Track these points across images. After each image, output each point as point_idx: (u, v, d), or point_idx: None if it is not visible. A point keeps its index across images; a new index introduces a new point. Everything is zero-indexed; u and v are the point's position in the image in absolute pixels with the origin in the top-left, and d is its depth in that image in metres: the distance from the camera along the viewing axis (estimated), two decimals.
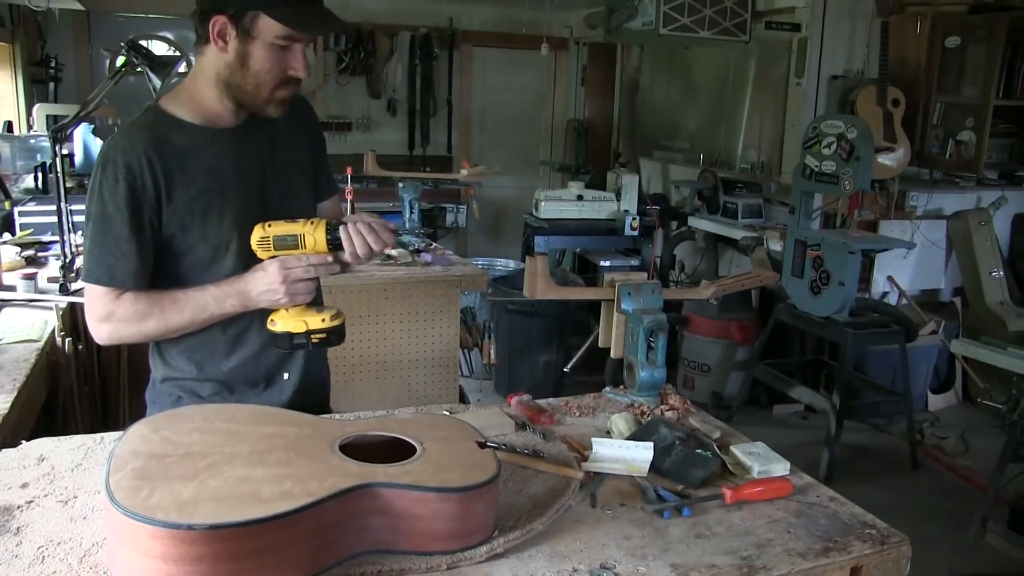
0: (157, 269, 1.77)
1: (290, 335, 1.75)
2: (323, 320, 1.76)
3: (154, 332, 1.79)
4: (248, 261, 1.77)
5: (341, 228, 1.72)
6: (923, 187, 5.50)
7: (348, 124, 7.52)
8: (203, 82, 1.77)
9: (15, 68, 5.61)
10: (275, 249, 1.71)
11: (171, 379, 1.90)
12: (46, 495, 1.47)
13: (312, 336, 1.75)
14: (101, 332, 1.77)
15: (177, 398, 1.89)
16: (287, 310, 1.74)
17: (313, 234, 1.71)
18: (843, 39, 5.36)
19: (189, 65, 3.95)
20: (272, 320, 1.76)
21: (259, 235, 1.71)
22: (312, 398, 2.01)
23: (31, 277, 2.95)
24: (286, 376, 1.95)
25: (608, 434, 1.84)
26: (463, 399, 4.03)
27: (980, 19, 5.13)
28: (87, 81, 6.64)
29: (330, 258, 1.74)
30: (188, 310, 1.76)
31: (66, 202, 3.00)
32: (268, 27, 1.67)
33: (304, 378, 1.97)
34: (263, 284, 1.73)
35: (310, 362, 1.98)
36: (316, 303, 1.80)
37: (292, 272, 1.72)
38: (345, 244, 1.72)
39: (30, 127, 5.47)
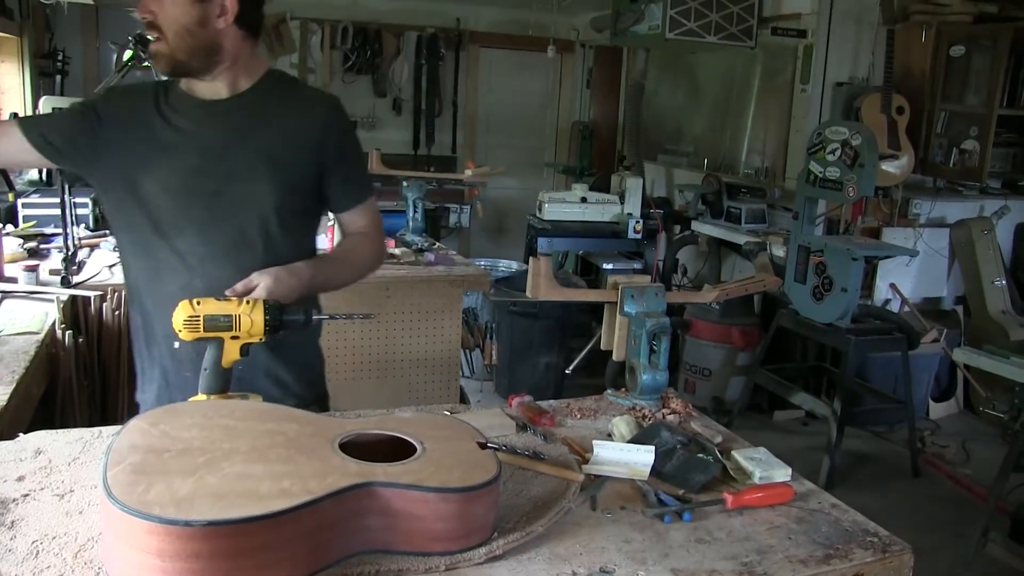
0: (119, 216, 1.91)
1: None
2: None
3: None
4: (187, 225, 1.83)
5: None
6: (927, 195, 5.50)
7: (353, 123, 7.49)
8: None
9: (23, 60, 5.59)
10: (205, 331, 1.61)
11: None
12: (42, 489, 1.46)
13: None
14: None
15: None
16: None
17: (250, 315, 1.62)
18: (848, 46, 5.36)
19: None
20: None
21: (187, 314, 1.60)
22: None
23: (33, 269, 2.95)
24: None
25: (609, 437, 1.83)
26: (464, 399, 4.02)
27: (985, 29, 5.13)
28: (94, 74, 6.64)
29: None
30: None
31: (69, 195, 2.98)
32: None
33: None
34: None
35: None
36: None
37: None
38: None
39: None
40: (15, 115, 1.91)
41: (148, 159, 1.85)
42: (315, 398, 2.09)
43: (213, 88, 1.89)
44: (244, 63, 1.91)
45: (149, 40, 2.76)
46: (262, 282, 1.72)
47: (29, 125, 1.86)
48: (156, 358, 1.96)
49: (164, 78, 1.93)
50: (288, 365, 1.98)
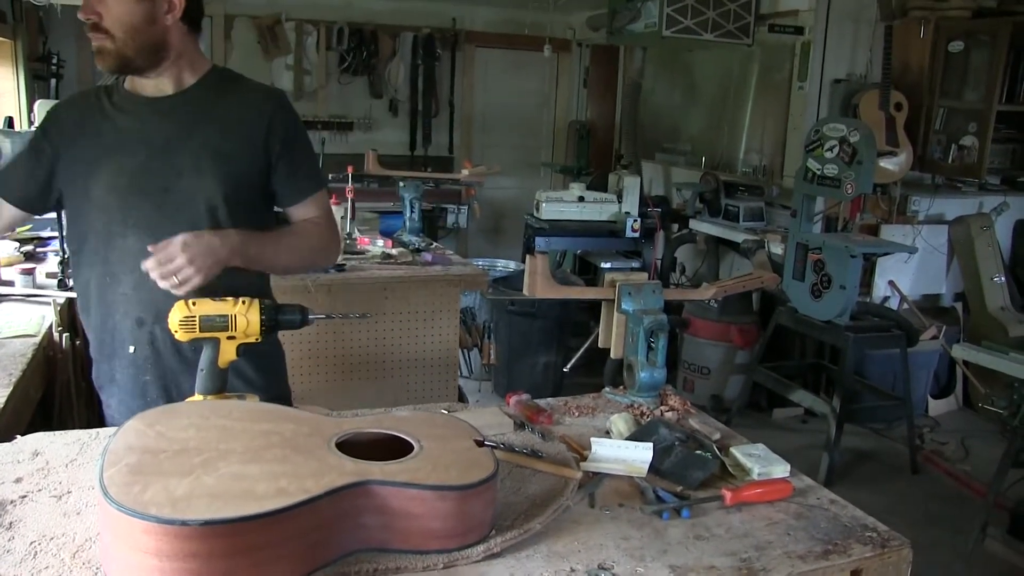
0: (74, 225, 1.96)
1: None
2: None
3: None
4: (139, 229, 1.85)
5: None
6: (925, 192, 5.50)
7: (350, 124, 7.52)
8: None
9: (17, 64, 5.59)
10: (201, 331, 1.61)
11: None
12: (40, 490, 1.46)
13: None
14: None
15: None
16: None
17: (246, 315, 1.62)
18: (846, 43, 5.35)
19: None
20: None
21: (183, 314, 1.61)
22: None
23: (29, 273, 2.94)
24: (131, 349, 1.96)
25: (607, 434, 1.82)
26: (462, 399, 4.02)
27: (983, 24, 5.13)
28: (88, 77, 6.63)
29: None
30: None
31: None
32: None
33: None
34: None
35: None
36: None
37: None
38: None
39: (31, 123, 5.45)
40: None
41: (96, 163, 1.87)
42: (279, 395, 2.09)
43: (158, 85, 1.91)
44: (189, 59, 1.92)
45: None
46: (181, 237, 1.71)
47: (5, 191, 1.94)
48: (115, 365, 1.97)
49: (107, 82, 1.97)
50: (249, 359, 1.93)
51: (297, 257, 2.03)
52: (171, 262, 1.68)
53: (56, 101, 5.70)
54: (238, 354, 1.66)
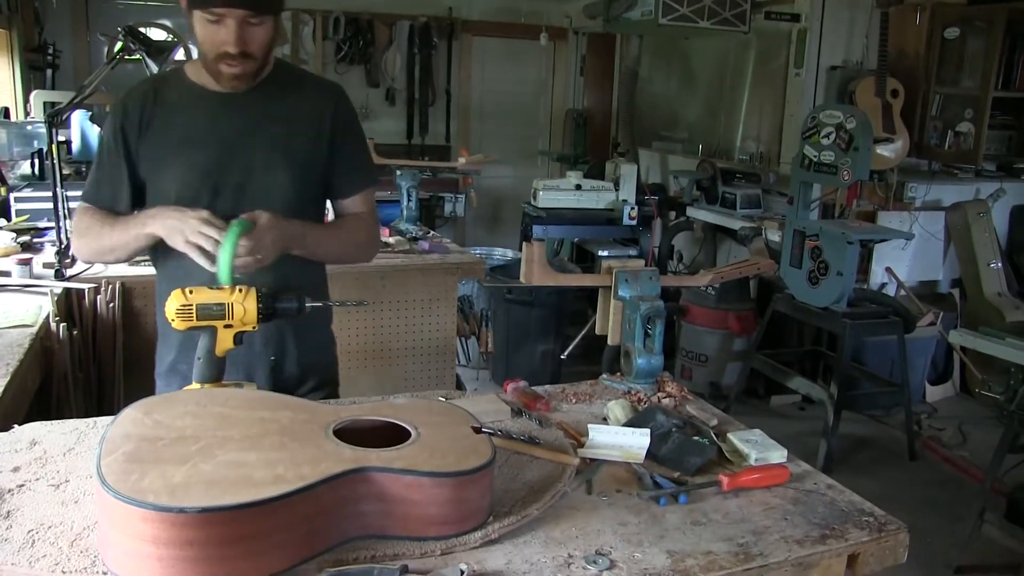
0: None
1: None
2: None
3: (95, 245, 1.91)
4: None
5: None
6: (922, 178, 5.50)
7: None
8: None
9: (12, 54, 5.58)
10: (198, 320, 1.61)
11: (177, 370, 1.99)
12: (37, 479, 1.46)
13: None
14: (73, 244, 2.00)
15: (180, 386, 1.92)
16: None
17: (243, 303, 1.62)
18: (842, 30, 5.35)
19: (186, 51, 3.93)
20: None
21: (180, 303, 1.60)
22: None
23: (26, 263, 2.94)
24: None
25: (605, 421, 1.83)
26: (460, 387, 4.03)
27: (979, 10, 5.12)
28: (84, 68, 6.61)
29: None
30: (117, 227, 1.85)
31: (62, 188, 2.97)
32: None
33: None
34: (172, 214, 1.75)
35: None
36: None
37: (202, 225, 1.69)
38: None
39: (27, 114, 5.45)
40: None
41: (167, 157, 1.88)
42: (328, 381, 2.15)
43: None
44: None
45: (140, 32, 2.77)
46: (267, 217, 1.75)
47: (103, 202, 1.93)
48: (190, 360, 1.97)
49: (155, 72, 1.98)
50: (301, 346, 2.03)
51: (344, 251, 2.09)
52: (260, 242, 1.72)
53: (52, 91, 5.69)
54: (236, 342, 1.66)
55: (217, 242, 1.65)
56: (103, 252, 1.93)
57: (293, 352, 2.02)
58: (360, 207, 2.09)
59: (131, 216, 1.89)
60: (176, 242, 1.71)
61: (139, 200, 1.93)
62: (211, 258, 1.66)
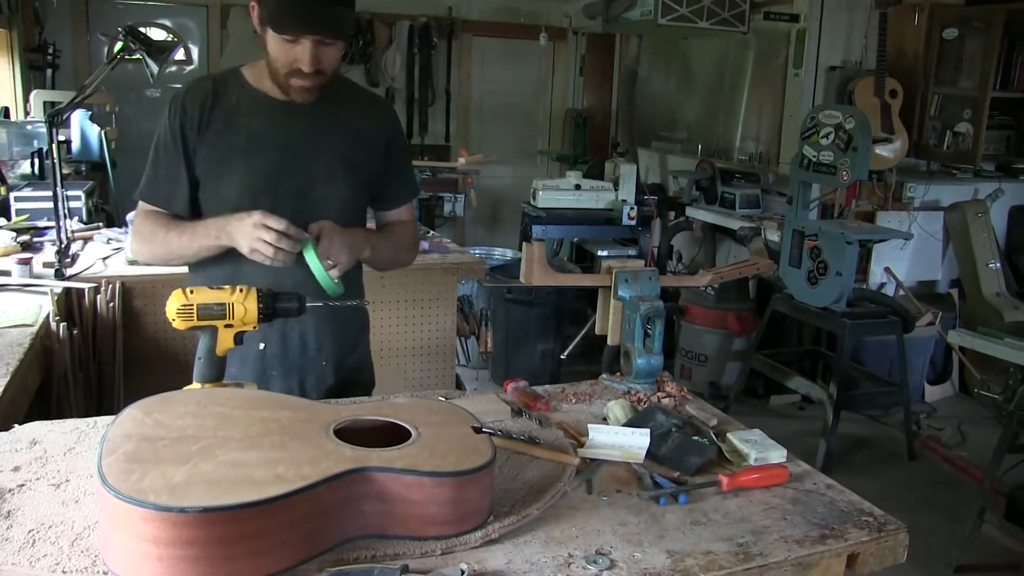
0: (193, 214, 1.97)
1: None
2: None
3: (160, 251, 1.95)
4: None
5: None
6: (921, 178, 5.50)
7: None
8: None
9: (13, 54, 5.58)
10: (199, 319, 1.61)
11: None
12: (38, 478, 1.46)
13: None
14: (132, 246, 2.07)
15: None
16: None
17: (243, 303, 1.63)
18: (841, 30, 5.36)
19: (186, 51, 3.93)
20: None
21: (180, 302, 1.60)
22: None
23: (26, 262, 2.94)
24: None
25: (604, 421, 1.83)
26: (460, 387, 4.03)
27: (978, 11, 5.13)
28: (85, 68, 6.62)
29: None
30: (186, 234, 1.89)
31: (62, 188, 2.98)
32: None
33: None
34: (240, 222, 1.78)
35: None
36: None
37: (269, 229, 1.75)
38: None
39: (27, 113, 5.46)
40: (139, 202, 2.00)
41: (227, 161, 1.91)
42: (367, 380, 2.26)
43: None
44: None
45: (140, 32, 2.79)
46: (328, 225, 1.84)
47: (161, 202, 1.96)
48: (237, 361, 2.00)
49: (227, 70, 2.01)
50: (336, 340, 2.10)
51: (396, 256, 2.18)
52: (336, 250, 1.83)
53: (52, 91, 5.69)
54: (236, 342, 1.66)
55: (290, 254, 1.76)
56: (167, 258, 1.97)
57: (338, 355, 2.11)
58: (404, 216, 2.19)
59: (197, 223, 1.90)
60: (258, 257, 1.78)
61: (194, 199, 1.96)
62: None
